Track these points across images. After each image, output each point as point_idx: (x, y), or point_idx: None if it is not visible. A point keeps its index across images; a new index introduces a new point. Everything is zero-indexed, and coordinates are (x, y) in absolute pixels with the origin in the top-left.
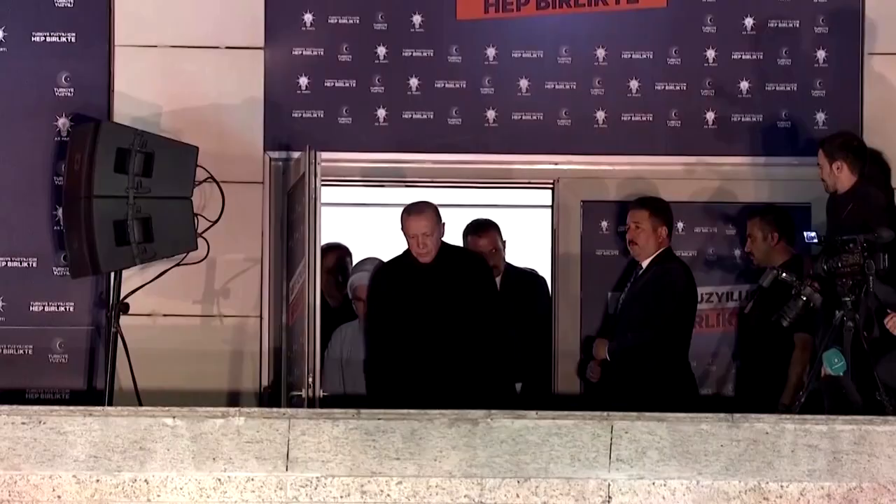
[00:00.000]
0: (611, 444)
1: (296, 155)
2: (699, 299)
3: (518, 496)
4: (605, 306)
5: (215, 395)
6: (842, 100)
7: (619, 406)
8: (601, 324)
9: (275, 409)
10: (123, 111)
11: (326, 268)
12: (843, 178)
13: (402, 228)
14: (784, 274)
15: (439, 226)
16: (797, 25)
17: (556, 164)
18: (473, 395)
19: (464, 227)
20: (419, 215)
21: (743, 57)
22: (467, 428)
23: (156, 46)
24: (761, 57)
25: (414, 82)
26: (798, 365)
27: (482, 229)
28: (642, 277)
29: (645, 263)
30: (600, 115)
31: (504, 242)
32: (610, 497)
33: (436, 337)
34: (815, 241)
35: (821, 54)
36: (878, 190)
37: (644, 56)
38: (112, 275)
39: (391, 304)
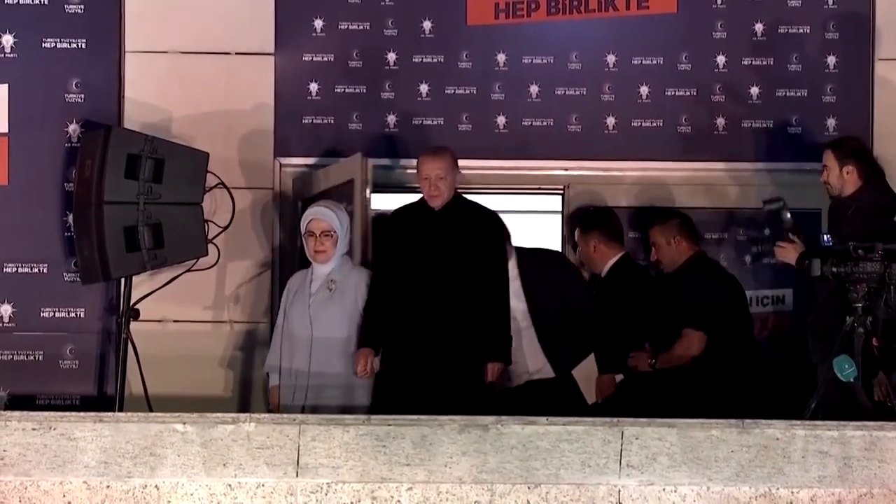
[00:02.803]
0: (621, 449)
1: (305, 161)
2: None
3: (528, 502)
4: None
5: (226, 401)
6: (852, 105)
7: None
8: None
9: (285, 415)
10: (134, 117)
11: None
12: (851, 182)
13: (417, 170)
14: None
15: (454, 172)
16: (807, 31)
17: (567, 169)
18: (459, 345)
19: None
20: (435, 157)
21: (753, 62)
22: (477, 434)
23: (166, 52)
24: (771, 63)
25: (424, 88)
26: (678, 350)
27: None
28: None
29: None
30: (610, 120)
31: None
32: (620, 503)
33: (433, 285)
34: (831, 245)
35: (831, 60)
36: (881, 193)
37: (654, 62)
38: (122, 281)
39: (396, 246)
